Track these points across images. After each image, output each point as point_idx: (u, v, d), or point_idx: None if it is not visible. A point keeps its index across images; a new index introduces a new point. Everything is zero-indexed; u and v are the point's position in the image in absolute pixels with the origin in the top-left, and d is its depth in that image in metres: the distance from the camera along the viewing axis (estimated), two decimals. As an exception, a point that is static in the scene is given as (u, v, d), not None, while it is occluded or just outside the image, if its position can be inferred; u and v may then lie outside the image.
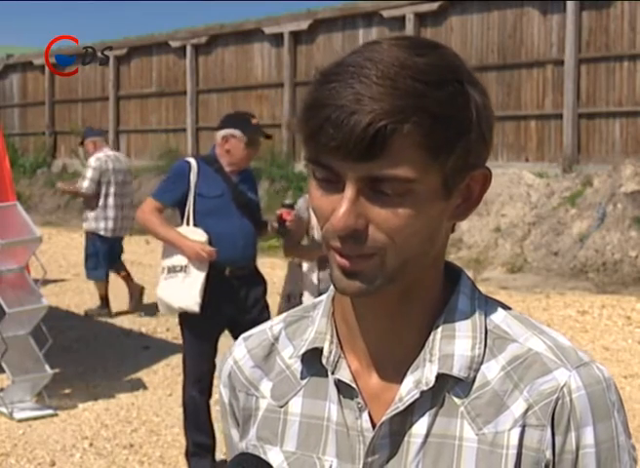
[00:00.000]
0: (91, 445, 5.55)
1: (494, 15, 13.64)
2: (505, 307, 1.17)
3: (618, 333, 8.11)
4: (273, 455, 1.17)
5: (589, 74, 12.73)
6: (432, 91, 1.02)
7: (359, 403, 1.12)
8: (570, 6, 12.64)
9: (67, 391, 6.56)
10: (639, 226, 10.77)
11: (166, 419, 5.99)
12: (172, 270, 4.85)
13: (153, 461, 5.33)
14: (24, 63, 22.41)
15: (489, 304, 1.16)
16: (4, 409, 6.04)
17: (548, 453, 1.07)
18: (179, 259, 4.82)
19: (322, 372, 1.16)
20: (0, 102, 22.77)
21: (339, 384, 1.14)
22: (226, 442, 1.30)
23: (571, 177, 12.21)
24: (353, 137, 1.00)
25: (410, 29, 14.23)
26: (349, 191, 1.03)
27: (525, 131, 13.44)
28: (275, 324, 1.26)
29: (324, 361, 1.15)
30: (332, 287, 1.17)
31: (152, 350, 7.78)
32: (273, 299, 10.10)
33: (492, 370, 1.10)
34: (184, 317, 4.90)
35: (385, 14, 14.72)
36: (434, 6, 14.12)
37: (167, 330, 8.57)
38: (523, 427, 1.08)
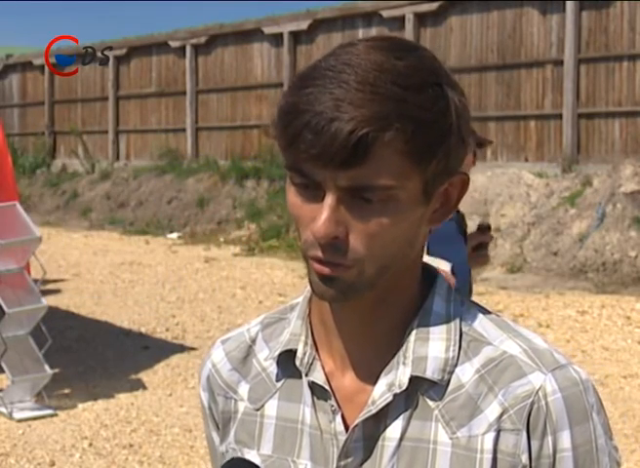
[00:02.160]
0: (90, 445, 5.55)
1: (493, 15, 13.64)
2: (482, 310, 1.15)
3: (617, 333, 8.11)
4: (251, 458, 1.17)
5: (589, 74, 12.73)
6: (413, 95, 1.01)
7: (332, 405, 1.11)
8: (569, 6, 12.64)
9: (67, 391, 6.56)
10: (639, 226, 10.77)
11: (166, 419, 5.99)
12: None
13: (153, 461, 5.33)
14: (24, 63, 22.40)
15: (465, 306, 1.14)
16: (3, 410, 6.04)
17: (524, 458, 1.06)
18: None
19: (296, 374, 1.15)
20: None
21: (312, 386, 1.13)
22: (208, 444, 1.30)
23: (570, 177, 12.22)
24: (334, 145, 0.99)
25: (409, 29, 14.24)
26: (330, 199, 1.02)
27: (524, 131, 13.44)
28: (253, 326, 1.24)
29: (297, 363, 1.14)
30: (309, 287, 1.17)
31: (152, 350, 7.78)
32: (273, 300, 10.16)
33: (466, 373, 1.09)
34: None
35: (385, 14, 14.72)
36: (434, 6, 14.11)
37: (166, 329, 8.57)
38: (498, 431, 1.06)
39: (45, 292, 9.02)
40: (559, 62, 12.91)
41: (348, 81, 1.00)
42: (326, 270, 1.05)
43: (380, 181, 1.01)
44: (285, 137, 1.04)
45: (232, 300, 10.06)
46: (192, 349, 7.78)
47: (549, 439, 1.06)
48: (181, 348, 7.83)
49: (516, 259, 11.42)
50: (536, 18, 13.21)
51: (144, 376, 6.96)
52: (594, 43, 12.68)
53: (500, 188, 12.39)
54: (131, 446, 5.54)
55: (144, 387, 6.72)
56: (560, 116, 12.94)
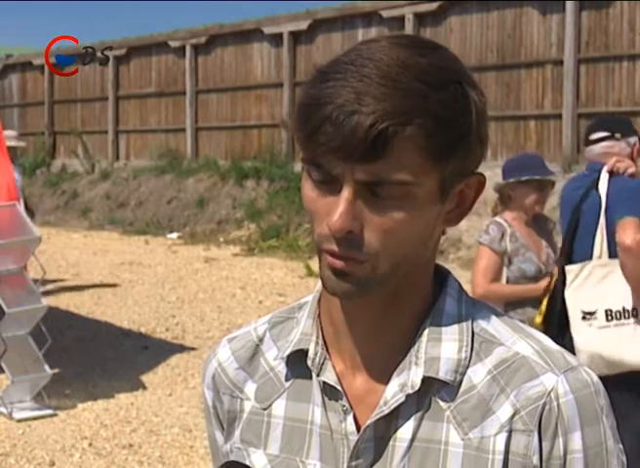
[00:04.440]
0: (90, 445, 5.55)
1: (493, 15, 13.64)
2: (493, 310, 1.15)
3: (617, 333, 8.11)
4: (257, 458, 1.16)
5: (589, 74, 12.73)
6: (435, 92, 1.00)
7: (344, 405, 1.11)
8: (569, 6, 12.64)
9: (67, 391, 6.56)
10: (638, 226, 10.76)
11: (165, 419, 5.99)
12: (615, 316, 3.62)
13: (153, 461, 5.33)
14: (24, 63, 22.40)
15: (476, 307, 1.14)
16: (3, 410, 6.04)
17: (535, 459, 1.06)
18: (621, 301, 3.64)
19: (306, 374, 1.15)
20: (-1, 102, 22.79)
21: (323, 386, 1.12)
22: (210, 444, 1.29)
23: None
24: (355, 138, 0.98)
25: (409, 29, 14.23)
26: (347, 192, 1.01)
27: (524, 131, 13.44)
28: (260, 325, 1.23)
29: (309, 362, 1.13)
30: (318, 287, 1.16)
31: (152, 350, 7.79)
32: (272, 300, 10.15)
33: (478, 374, 1.09)
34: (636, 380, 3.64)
35: (385, 14, 14.72)
36: (433, 6, 14.12)
37: (166, 330, 8.57)
38: (510, 432, 1.06)
39: (45, 292, 9.04)
40: (559, 62, 12.91)
41: (370, 75, 1.00)
42: (339, 263, 1.04)
43: (398, 176, 1.00)
44: (305, 130, 1.02)
45: (232, 300, 10.06)
46: (192, 349, 7.78)
47: (560, 440, 1.06)
48: (181, 348, 7.83)
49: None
50: (536, 18, 13.21)
51: (144, 376, 6.96)
52: (594, 43, 12.68)
53: (499, 188, 12.39)
54: (131, 446, 5.54)
55: (144, 387, 6.72)
56: (560, 116, 12.94)
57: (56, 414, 6.07)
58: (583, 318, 3.65)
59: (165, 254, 13.79)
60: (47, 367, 6.14)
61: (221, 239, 15.06)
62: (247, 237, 14.73)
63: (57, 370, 6.48)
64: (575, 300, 3.68)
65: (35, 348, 6.17)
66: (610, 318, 3.62)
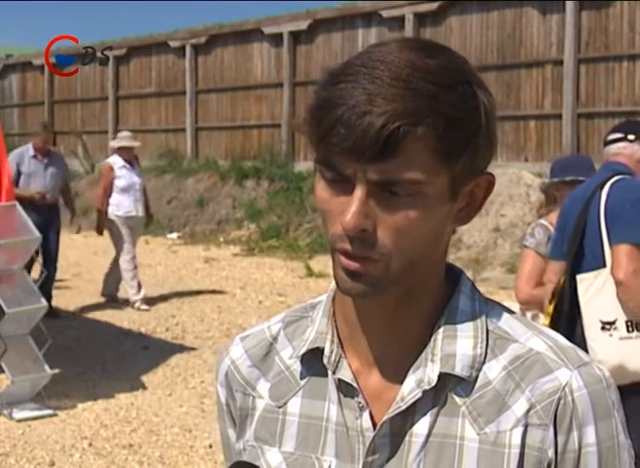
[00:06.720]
0: (90, 445, 5.55)
1: (493, 15, 13.64)
2: (505, 308, 1.18)
3: (617, 333, 8.10)
4: (272, 456, 1.17)
5: (589, 74, 12.74)
6: (444, 93, 1.03)
7: (360, 402, 1.12)
8: (569, 6, 12.64)
9: (67, 391, 6.56)
10: (638, 226, 10.76)
11: (165, 419, 5.99)
12: (636, 327, 3.46)
13: (153, 461, 5.32)
14: (24, 63, 22.41)
15: (489, 305, 1.17)
16: (3, 410, 6.04)
17: (551, 453, 1.08)
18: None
19: (322, 372, 1.16)
20: (-1, 102, 22.78)
21: (339, 384, 1.14)
22: (223, 441, 1.30)
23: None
24: (367, 139, 1.00)
25: (409, 29, 14.24)
26: (359, 192, 1.03)
27: (524, 131, 13.44)
28: (273, 323, 1.25)
29: (325, 360, 1.15)
30: (333, 285, 1.17)
31: (151, 350, 7.78)
32: (272, 300, 10.15)
33: (493, 370, 1.11)
34: None
35: (385, 14, 14.72)
36: (433, 6, 14.12)
37: (166, 329, 8.57)
38: (525, 427, 1.08)
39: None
40: (559, 62, 12.91)
41: (381, 77, 1.02)
42: (353, 265, 1.05)
43: (410, 176, 1.02)
44: (317, 132, 1.04)
45: (232, 300, 10.06)
46: (192, 349, 7.78)
47: (575, 434, 1.08)
48: (181, 348, 7.83)
49: (516, 259, 11.41)
50: (536, 18, 13.21)
51: (144, 376, 6.96)
52: (594, 43, 12.68)
53: (499, 188, 12.39)
54: (131, 446, 5.54)
55: (144, 387, 6.71)
56: (560, 116, 12.94)
57: (56, 414, 6.06)
58: (603, 328, 3.45)
59: (165, 254, 13.78)
60: (47, 367, 6.14)
61: (221, 239, 15.06)
62: (247, 237, 14.73)
63: (57, 371, 6.48)
64: (592, 310, 3.49)
65: (35, 348, 6.17)
66: (631, 329, 3.44)
